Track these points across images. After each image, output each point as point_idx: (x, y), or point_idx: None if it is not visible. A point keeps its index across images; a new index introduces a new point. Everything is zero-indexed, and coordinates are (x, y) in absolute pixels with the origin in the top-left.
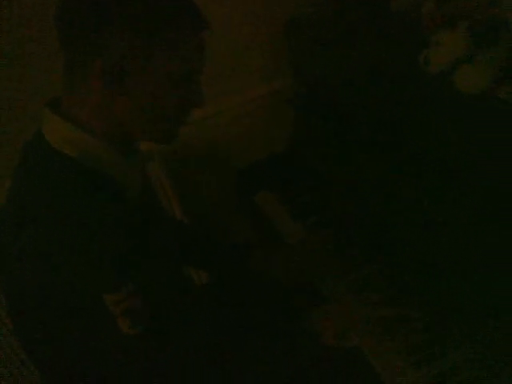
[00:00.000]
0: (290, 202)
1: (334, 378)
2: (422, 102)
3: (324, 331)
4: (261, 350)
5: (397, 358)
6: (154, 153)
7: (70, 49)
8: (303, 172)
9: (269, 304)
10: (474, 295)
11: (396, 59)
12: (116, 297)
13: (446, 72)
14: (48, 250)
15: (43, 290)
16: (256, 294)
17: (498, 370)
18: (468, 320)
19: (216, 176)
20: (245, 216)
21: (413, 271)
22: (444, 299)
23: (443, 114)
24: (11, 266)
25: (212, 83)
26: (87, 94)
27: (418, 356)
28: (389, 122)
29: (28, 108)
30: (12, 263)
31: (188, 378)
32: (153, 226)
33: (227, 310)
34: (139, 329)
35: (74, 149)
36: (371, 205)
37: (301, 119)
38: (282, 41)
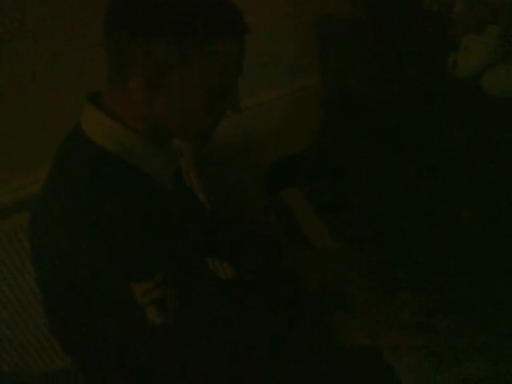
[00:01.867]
0: (315, 198)
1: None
2: (450, 105)
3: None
4: (280, 350)
5: (420, 361)
6: (185, 147)
7: (116, 50)
8: (329, 168)
9: (290, 305)
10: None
11: (425, 62)
12: (145, 286)
13: (474, 76)
14: (81, 239)
15: (76, 275)
16: (280, 294)
17: None
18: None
19: (245, 171)
20: (272, 212)
21: (444, 277)
22: (474, 307)
23: (471, 118)
24: (49, 253)
25: (241, 79)
26: (129, 93)
27: (439, 360)
28: (416, 122)
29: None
30: (45, 250)
31: (208, 371)
32: (184, 218)
33: (249, 307)
34: (165, 319)
35: (114, 144)
36: (399, 206)
37: (329, 116)
38: (312, 38)
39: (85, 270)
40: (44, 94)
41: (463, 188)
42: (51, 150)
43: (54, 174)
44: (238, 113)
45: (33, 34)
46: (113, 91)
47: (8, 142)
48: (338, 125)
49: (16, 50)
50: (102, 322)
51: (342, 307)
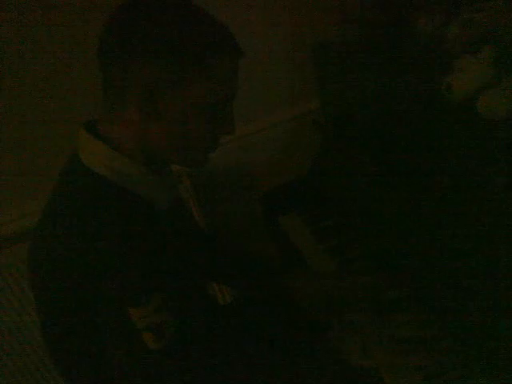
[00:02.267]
0: (314, 224)
1: None
2: (445, 129)
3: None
4: (281, 372)
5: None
6: (182, 173)
7: (108, 75)
8: (328, 195)
9: (288, 327)
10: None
11: (419, 85)
12: (142, 311)
13: (468, 99)
14: (79, 263)
15: (72, 302)
16: (277, 315)
17: None
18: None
19: (242, 198)
20: (270, 238)
21: (439, 294)
22: (469, 324)
23: (466, 141)
24: (43, 279)
25: (239, 106)
26: (124, 120)
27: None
28: (412, 147)
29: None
30: (43, 276)
31: None
32: (182, 242)
33: (247, 331)
34: (163, 344)
35: (112, 171)
36: (397, 229)
37: (327, 141)
38: (309, 64)
39: (83, 295)
40: (41, 123)
41: (460, 212)
42: (50, 180)
43: (52, 203)
44: (233, 135)
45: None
46: (108, 119)
47: (8, 171)
48: (337, 149)
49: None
50: (100, 348)
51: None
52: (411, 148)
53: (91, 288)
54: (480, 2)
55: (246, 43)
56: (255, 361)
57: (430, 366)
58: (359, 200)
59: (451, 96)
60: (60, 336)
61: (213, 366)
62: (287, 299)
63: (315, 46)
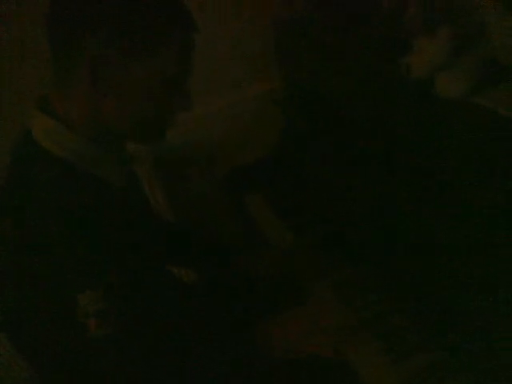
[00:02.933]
0: (277, 203)
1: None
2: (404, 108)
3: (275, 343)
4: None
5: (376, 357)
6: (143, 153)
7: (57, 50)
8: (292, 174)
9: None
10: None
11: (381, 63)
12: (87, 297)
13: (426, 78)
14: (30, 245)
15: (20, 284)
16: (236, 295)
17: None
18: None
19: (206, 178)
20: (233, 218)
21: (401, 274)
22: (433, 303)
23: (423, 119)
24: None
25: (201, 84)
26: (74, 94)
27: (396, 353)
28: (373, 125)
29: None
30: None
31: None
32: (137, 223)
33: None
34: (108, 330)
35: (61, 148)
36: (359, 206)
37: (290, 121)
38: (271, 42)
39: (31, 277)
40: None
41: (419, 187)
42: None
43: (3, 181)
44: (189, 110)
45: None
46: (59, 95)
47: None
48: (299, 129)
49: None
50: (48, 330)
51: (298, 303)
52: (372, 126)
53: (38, 269)
54: None
55: (204, 18)
56: (222, 342)
57: (386, 342)
58: (322, 179)
59: (410, 76)
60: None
61: (180, 348)
62: (245, 277)
63: (277, 22)
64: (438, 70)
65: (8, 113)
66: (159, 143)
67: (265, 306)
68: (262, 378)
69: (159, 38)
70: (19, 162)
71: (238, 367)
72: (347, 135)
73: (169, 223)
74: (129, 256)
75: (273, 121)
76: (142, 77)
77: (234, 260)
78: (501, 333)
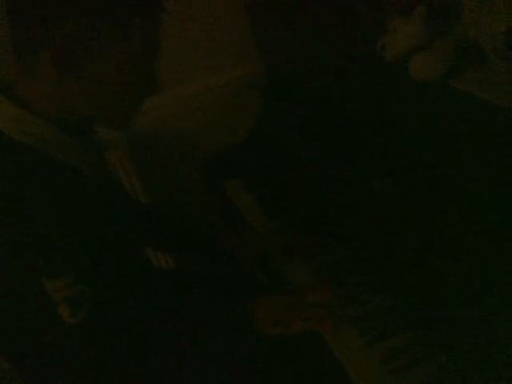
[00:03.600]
0: (256, 188)
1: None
2: (379, 90)
3: (263, 319)
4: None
5: (352, 338)
6: (119, 139)
7: (19, 34)
8: (270, 158)
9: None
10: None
11: (357, 44)
12: (57, 283)
13: (401, 60)
14: None
15: None
16: (215, 278)
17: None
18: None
19: (183, 163)
20: (212, 203)
21: (381, 254)
22: (412, 283)
23: (397, 102)
24: None
25: (176, 68)
26: (39, 78)
27: (371, 335)
28: (351, 107)
29: None
30: None
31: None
32: (110, 208)
33: (185, 295)
34: (80, 317)
35: (25, 134)
36: (336, 188)
37: (267, 105)
38: (247, 25)
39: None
40: None
41: (396, 171)
42: None
43: None
44: (153, 95)
45: None
46: (23, 79)
47: None
48: (277, 113)
49: None
50: (16, 320)
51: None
52: (350, 109)
53: (6, 255)
54: None
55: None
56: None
57: (363, 322)
58: (300, 163)
59: (385, 57)
60: None
61: (158, 332)
62: (224, 260)
63: (249, 4)
64: (414, 52)
65: None
66: (129, 128)
67: (246, 290)
68: (246, 357)
69: (123, 19)
70: None
71: (225, 347)
72: (324, 118)
73: (144, 207)
74: (102, 241)
75: (250, 105)
76: (106, 59)
77: (213, 244)
78: (480, 314)
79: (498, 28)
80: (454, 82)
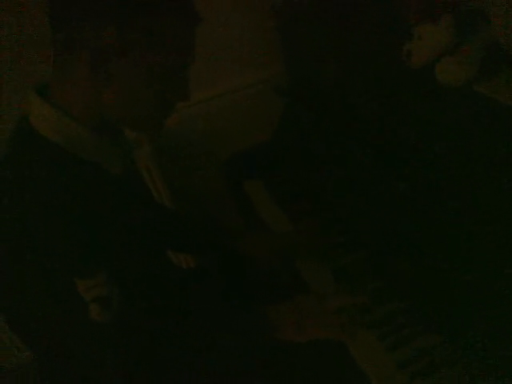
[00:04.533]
0: (276, 190)
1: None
2: (405, 96)
3: (283, 326)
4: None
5: (372, 343)
6: (143, 140)
7: (59, 37)
8: (291, 160)
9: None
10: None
11: (382, 51)
12: (88, 283)
13: (427, 66)
14: (27, 232)
15: (20, 270)
16: (238, 281)
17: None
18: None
19: (205, 163)
20: (233, 204)
21: (399, 261)
22: (431, 289)
23: (424, 108)
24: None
25: (200, 71)
26: (75, 82)
27: (392, 339)
28: (375, 112)
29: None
30: None
31: (156, 365)
32: (136, 210)
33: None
34: (108, 317)
35: (60, 136)
36: (358, 194)
37: (289, 108)
38: (272, 28)
39: (30, 264)
40: None
41: (420, 175)
42: None
43: (1, 169)
44: (187, 101)
45: None
46: (59, 82)
47: None
48: (299, 116)
49: None
50: (46, 316)
51: (299, 290)
52: (373, 114)
53: (36, 256)
54: None
55: (204, 6)
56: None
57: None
58: (321, 165)
59: (411, 63)
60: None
61: (181, 334)
62: (244, 264)
63: (277, 8)
64: (440, 58)
65: (8, 100)
66: (158, 132)
67: (265, 293)
68: (263, 360)
69: (162, 31)
70: (15, 147)
71: (241, 350)
72: (347, 122)
73: (169, 210)
74: (127, 243)
75: (273, 107)
76: (140, 66)
77: (234, 246)
78: (498, 319)
79: None
80: (481, 88)
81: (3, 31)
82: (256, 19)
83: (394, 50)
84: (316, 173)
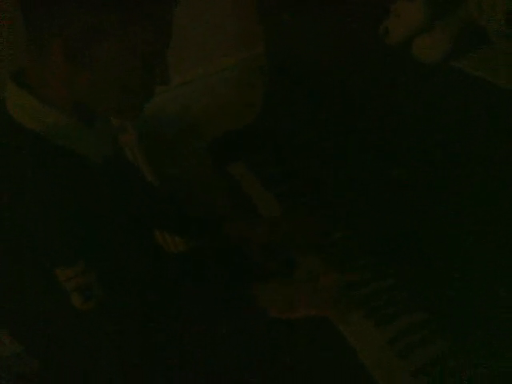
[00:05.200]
0: (262, 172)
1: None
2: (383, 73)
3: (274, 304)
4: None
5: (360, 319)
6: (127, 124)
7: (32, 24)
8: (275, 141)
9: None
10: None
11: (360, 29)
12: (68, 273)
13: (404, 43)
14: (3, 221)
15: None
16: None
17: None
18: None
19: (189, 147)
20: (219, 186)
21: (388, 240)
22: (419, 266)
23: (402, 84)
24: None
25: (180, 53)
26: (50, 69)
27: (378, 316)
28: (354, 91)
29: None
30: None
31: (141, 352)
32: (121, 195)
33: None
34: (92, 304)
35: (36, 123)
36: (344, 172)
37: (272, 88)
38: (253, 7)
39: (8, 253)
40: None
41: (399, 152)
42: None
43: None
44: (166, 84)
45: None
46: (35, 68)
47: None
48: (282, 96)
49: None
50: (27, 307)
51: (286, 274)
52: (352, 91)
53: (14, 246)
54: None
55: None
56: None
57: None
58: (306, 146)
59: (388, 40)
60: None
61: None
62: (235, 246)
63: None
64: (417, 34)
65: None
66: (135, 119)
67: (254, 276)
68: (253, 337)
69: (138, 13)
70: None
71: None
72: (329, 101)
73: (156, 193)
74: (110, 228)
75: (255, 88)
76: (117, 52)
77: (222, 229)
78: (484, 296)
79: (500, 9)
80: (457, 63)
81: None
82: None
83: (372, 27)
84: (302, 154)
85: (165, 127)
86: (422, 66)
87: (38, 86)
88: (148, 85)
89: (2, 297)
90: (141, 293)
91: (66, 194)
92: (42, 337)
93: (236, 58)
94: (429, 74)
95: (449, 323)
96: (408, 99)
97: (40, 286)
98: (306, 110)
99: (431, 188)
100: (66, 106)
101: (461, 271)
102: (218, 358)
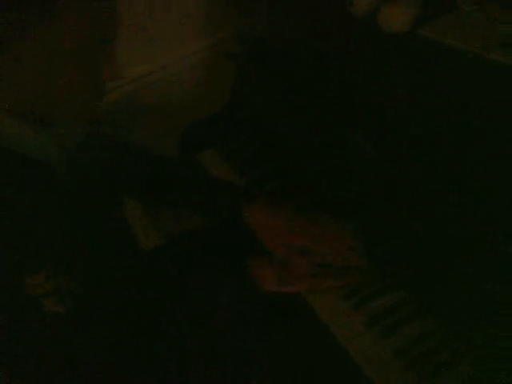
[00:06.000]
0: (233, 158)
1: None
2: (351, 45)
3: (266, 278)
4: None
5: (338, 301)
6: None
7: None
8: (246, 128)
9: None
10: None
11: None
12: (36, 279)
13: (369, 13)
14: None
15: None
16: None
17: None
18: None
19: (158, 135)
20: (192, 174)
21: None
22: (397, 244)
23: (370, 55)
24: None
25: (149, 40)
26: None
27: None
28: (324, 67)
29: None
30: None
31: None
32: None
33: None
34: (64, 308)
35: None
36: (314, 155)
37: (242, 74)
38: None
39: None
40: None
41: (371, 126)
42: None
43: None
44: (118, 78)
45: None
46: None
47: None
48: (252, 81)
49: None
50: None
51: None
52: (324, 69)
53: None
54: None
55: None
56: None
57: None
58: (277, 131)
59: (354, 12)
60: None
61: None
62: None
63: None
64: (381, 5)
65: None
66: (89, 120)
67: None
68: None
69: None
70: None
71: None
72: (302, 81)
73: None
74: (77, 231)
75: (224, 74)
76: (53, 47)
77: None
78: (465, 276)
79: None
80: (424, 31)
81: None
82: None
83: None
84: (276, 138)
85: (133, 115)
86: (390, 36)
87: None
88: (93, 82)
89: None
90: (126, 289)
91: (22, 199)
92: (14, 345)
93: (204, 43)
94: (396, 42)
95: (430, 302)
96: (375, 71)
97: (11, 295)
98: (280, 96)
99: (411, 165)
100: (13, 106)
101: (442, 249)
102: (214, 351)
